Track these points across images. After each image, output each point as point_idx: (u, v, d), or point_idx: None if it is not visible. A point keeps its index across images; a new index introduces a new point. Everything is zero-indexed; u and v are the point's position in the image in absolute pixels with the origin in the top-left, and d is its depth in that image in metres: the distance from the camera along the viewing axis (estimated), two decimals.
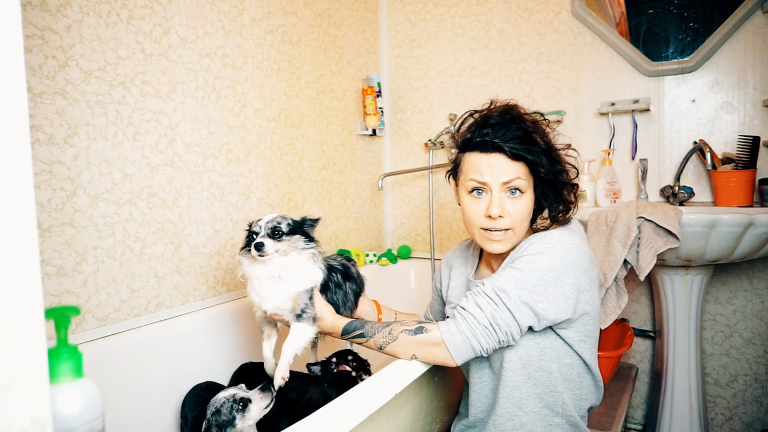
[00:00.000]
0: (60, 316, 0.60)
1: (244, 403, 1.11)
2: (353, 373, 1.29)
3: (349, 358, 1.35)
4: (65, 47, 1.26)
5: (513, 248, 1.15)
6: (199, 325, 1.55)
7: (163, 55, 1.49)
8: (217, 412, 1.10)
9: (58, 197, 1.26)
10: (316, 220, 1.25)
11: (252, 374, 1.58)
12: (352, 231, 2.37)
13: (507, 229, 1.10)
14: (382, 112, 2.42)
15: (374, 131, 2.40)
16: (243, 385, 1.16)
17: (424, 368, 1.11)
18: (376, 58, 2.54)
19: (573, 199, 1.15)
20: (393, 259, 2.45)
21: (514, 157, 1.07)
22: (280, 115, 1.93)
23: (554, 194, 1.13)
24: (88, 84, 1.31)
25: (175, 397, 1.39)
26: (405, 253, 2.52)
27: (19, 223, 0.42)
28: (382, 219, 2.61)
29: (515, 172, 1.08)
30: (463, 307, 1.07)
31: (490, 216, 1.09)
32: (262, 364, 1.59)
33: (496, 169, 1.08)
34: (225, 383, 1.58)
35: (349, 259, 1.41)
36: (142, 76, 1.44)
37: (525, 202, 1.10)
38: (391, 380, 1.03)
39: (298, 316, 1.18)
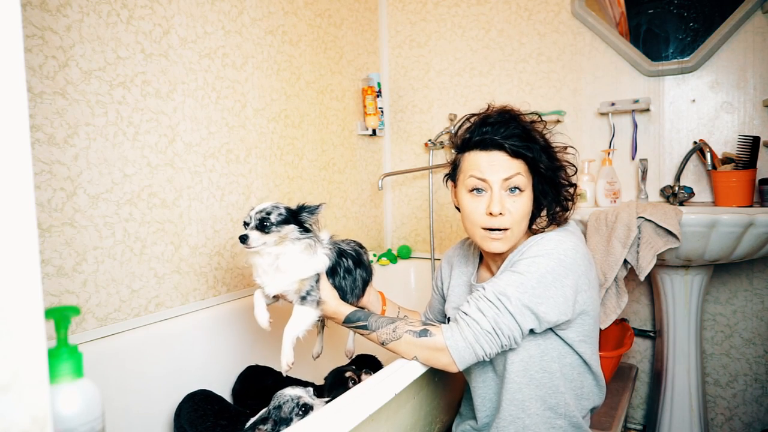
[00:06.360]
0: (60, 316, 0.60)
1: (306, 409, 1.08)
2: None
3: (348, 374, 1.31)
4: (65, 47, 1.26)
5: (511, 250, 1.15)
6: (199, 325, 1.55)
7: (163, 55, 1.49)
8: (279, 407, 1.08)
9: (58, 197, 1.26)
10: (317, 207, 1.19)
11: (257, 377, 1.58)
12: (352, 231, 2.37)
13: (506, 229, 1.10)
14: (382, 112, 2.42)
15: (374, 131, 2.40)
16: (311, 389, 1.13)
17: (424, 368, 1.11)
18: (376, 58, 2.54)
19: (571, 198, 1.16)
20: (393, 259, 2.45)
21: (514, 154, 1.08)
22: (280, 115, 1.93)
23: (553, 192, 1.13)
24: (88, 84, 1.31)
25: (176, 397, 1.39)
26: (405, 253, 2.51)
27: (19, 223, 0.42)
28: (382, 219, 2.61)
29: (515, 169, 1.08)
30: (465, 313, 1.06)
31: (491, 213, 1.08)
32: (266, 367, 1.60)
33: (496, 167, 1.09)
34: (226, 384, 1.58)
35: (361, 246, 1.40)
36: (142, 76, 1.44)
37: (524, 200, 1.10)
38: (391, 380, 1.03)
39: (303, 299, 1.18)
